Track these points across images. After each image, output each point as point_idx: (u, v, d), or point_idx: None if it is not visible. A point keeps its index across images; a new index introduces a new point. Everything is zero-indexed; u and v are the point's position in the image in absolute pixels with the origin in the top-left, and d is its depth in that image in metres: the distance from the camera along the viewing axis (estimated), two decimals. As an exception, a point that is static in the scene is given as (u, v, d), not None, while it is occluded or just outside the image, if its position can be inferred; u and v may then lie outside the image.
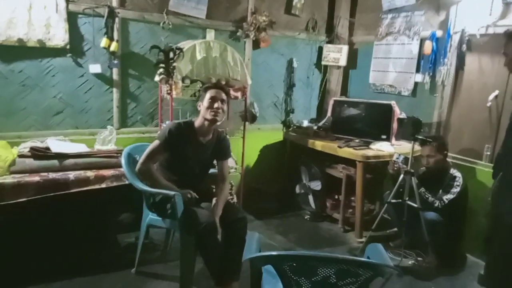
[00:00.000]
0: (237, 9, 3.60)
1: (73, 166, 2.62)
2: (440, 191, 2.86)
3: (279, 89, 4.06)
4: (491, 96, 2.90)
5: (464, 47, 3.09)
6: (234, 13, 3.59)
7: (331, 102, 3.88)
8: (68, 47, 2.91)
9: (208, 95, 2.35)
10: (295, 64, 3.99)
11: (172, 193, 2.21)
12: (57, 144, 2.72)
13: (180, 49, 2.91)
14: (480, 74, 3.04)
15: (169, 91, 2.92)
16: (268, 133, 4.04)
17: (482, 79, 3.02)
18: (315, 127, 3.80)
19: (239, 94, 3.30)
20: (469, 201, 2.90)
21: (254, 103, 3.68)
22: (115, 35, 3.06)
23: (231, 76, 3.33)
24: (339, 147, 3.34)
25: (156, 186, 2.31)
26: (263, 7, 3.65)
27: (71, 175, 2.53)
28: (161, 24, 3.22)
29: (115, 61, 3.10)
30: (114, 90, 3.18)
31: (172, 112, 2.99)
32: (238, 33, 3.60)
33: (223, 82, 3.20)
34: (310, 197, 3.72)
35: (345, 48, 4.04)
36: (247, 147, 3.53)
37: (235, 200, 3.50)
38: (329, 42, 4.21)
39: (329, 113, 3.88)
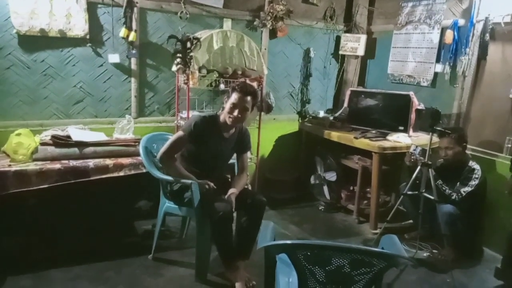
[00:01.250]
0: (254, -2, 3.58)
1: (92, 154, 2.68)
2: (458, 183, 2.82)
3: (295, 79, 4.04)
4: (514, 87, 2.82)
5: (488, 36, 3.00)
6: (251, 2, 3.57)
7: (348, 93, 3.84)
8: (88, 37, 2.96)
9: (232, 99, 2.32)
10: (312, 54, 3.96)
11: (189, 181, 2.26)
12: (77, 133, 2.79)
13: (197, 39, 2.92)
14: (503, 64, 2.96)
15: (186, 81, 2.95)
16: (284, 123, 4.04)
17: (505, 69, 2.94)
18: (331, 118, 3.78)
19: (255, 84, 3.29)
20: (487, 194, 2.85)
21: (270, 93, 3.67)
22: (134, 25, 3.09)
23: (248, 66, 3.34)
24: (355, 138, 3.32)
25: (177, 175, 2.35)
26: (280, -4, 3.62)
27: (91, 163, 2.60)
28: (178, 13, 3.23)
29: (133, 51, 3.14)
30: (132, 79, 3.22)
31: (188, 102, 3.01)
32: (255, 23, 3.59)
33: (239, 72, 3.21)
34: (325, 188, 3.72)
35: (363, 38, 3.97)
36: (263, 137, 3.54)
37: (250, 189, 3.54)
38: (347, 31, 4.14)
39: (345, 104, 3.84)
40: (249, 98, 2.33)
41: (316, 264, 1.48)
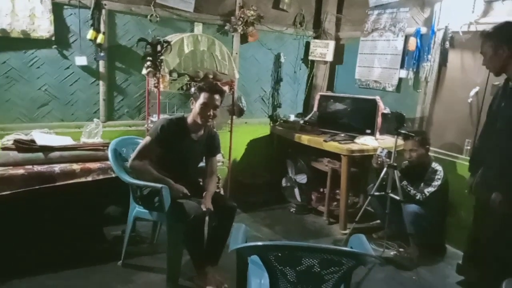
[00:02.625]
0: (225, 3, 3.60)
1: (58, 159, 2.60)
2: (422, 184, 2.95)
3: (266, 83, 4.09)
4: (472, 92, 2.98)
5: (447, 44, 3.17)
6: (222, 7, 3.59)
7: (317, 97, 3.93)
8: (53, 38, 2.87)
9: (201, 99, 2.32)
10: (282, 59, 4.02)
11: (159, 185, 2.23)
12: (42, 137, 2.69)
13: (168, 42, 2.90)
14: (462, 70, 3.12)
15: (156, 84, 2.92)
16: (255, 127, 4.07)
17: (464, 75, 3.11)
18: (301, 122, 3.85)
19: (226, 88, 3.30)
20: (449, 194, 2.99)
21: (241, 97, 3.70)
22: (102, 27, 3.03)
23: (219, 70, 3.35)
24: (325, 141, 3.39)
25: (151, 180, 2.30)
26: (251, 2, 3.66)
27: (57, 168, 2.52)
28: (148, 16, 3.20)
29: (102, 54, 3.07)
30: (101, 82, 3.16)
31: (159, 105, 2.99)
32: (226, 27, 3.61)
33: (211, 76, 3.21)
34: (296, 190, 3.78)
35: (331, 44, 4.08)
36: (234, 141, 3.56)
37: (222, 193, 3.54)
38: (316, 37, 4.24)
39: (315, 108, 3.93)
40: (217, 96, 2.36)
41: (287, 265, 1.51)
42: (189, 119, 2.40)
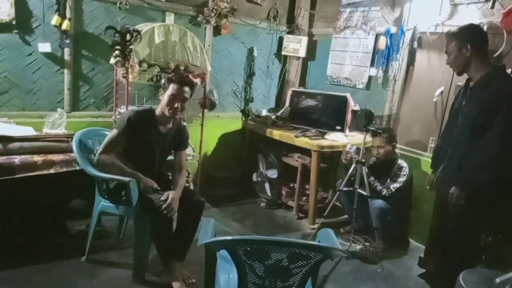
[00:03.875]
0: (198, -7, 3.54)
1: (18, 150, 2.47)
2: (388, 180, 3.04)
3: (239, 77, 4.06)
4: (437, 92, 3.09)
5: (415, 44, 3.26)
6: (195, -2, 3.53)
7: (289, 93, 3.95)
8: (14, 22, 2.72)
9: (170, 90, 2.27)
10: (255, 53, 4.01)
11: (127, 179, 2.17)
12: (1, 126, 2.55)
13: (138, 32, 2.82)
14: (428, 70, 3.23)
15: (125, 75, 2.83)
16: (227, 121, 4.04)
17: (430, 75, 3.21)
18: (273, 117, 3.86)
19: (198, 81, 3.26)
20: (413, 189, 3.10)
21: (213, 90, 3.66)
22: (68, 13, 2.90)
23: (191, 62, 3.29)
24: (296, 136, 3.42)
25: (120, 174, 2.22)
26: (225, -7, 3.61)
27: (17, 159, 2.39)
28: (117, 4, 3.09)
29: (67, 41, 2.94)
30: (66, 71, 3.02)
31: (128, 96, 2.90)
32: (198, 18, 3.54)
33: (182, 68, 3.15)
34: (267, 185, 3.79)
35: (304, 40, 4.11)
36: (206, 134, 3.52)
37: (191, 188, 3.50)
38: (290, 32, 4.25)
39: (287, 103, 3.94)
40: (187, 88, 2.30)
41: (256, 259, 1.51)
42: (157, 111, 2.35)
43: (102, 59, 3.14)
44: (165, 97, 2.29)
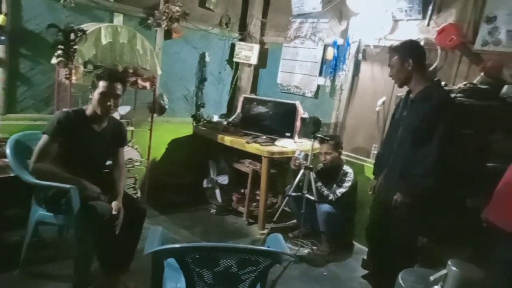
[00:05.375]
0: (148, -5, 3.46)
1: None
2: (334, 185, 3.15)
3: (190, 82, 4.02)
4: (380, 102, 3.27)
5: (360, 56, 3.43)
6: (146, 0, 3.44)
7: (241, 99, 3.97)
8: None
9: (99, 88, 2.15)
10: (207, 59, 3.99)
11: (67, 186, 2.04)
12: None
13: (83, 31, 2.69)
14: (372, 81, 3.41)
15: (68, 76, 2.68)
16: (178, 126, 3.97)
17: (373, 85, 3.39)
18: (225, 123, 3.86)
19: (147, 84, 3.18)
20: (358, 194, 3.24)
21: (163, 95, 3.58)
22: (3, 7, 2.69)
23: (140, 65, 3.20)
24: (247, 142, 3.45)
25: (62, 182, 2.07)
26: (176, -3, 3.56)
27: None
28: (61, 1, 2.92)
29: (2, 37, 2.73)
30: (0, 70, 2.80)
31: (70, 98, 2.75)
32: (149, 21, 3.46)
33: (131, 71, 3.06)
34: (217, 191, 3.77)
35: (256, 47, 4.16)
36: (155, 139, 3.43)
37: (139, 194, 3.39)
38: (242, 39, 4.29)
39: (239, 110, 3.96)
40: (118, 84, 2.19)
41: (205, 266, 1.49)
42: (88, 111, 2.22)
43: (42, 58, 2.95)
44: (95, 95, 2.17)
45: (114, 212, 2.10)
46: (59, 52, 2.63)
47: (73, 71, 2.67)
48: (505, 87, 2.33)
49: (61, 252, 2.59)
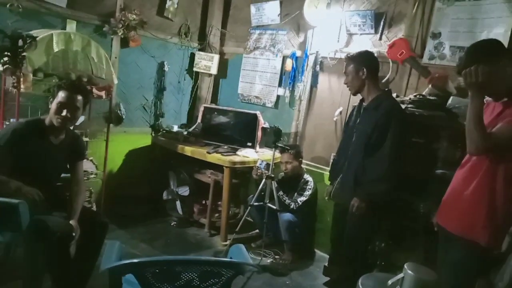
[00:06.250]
0: (104, 2, 3.35)
1: None
2: (295, 194, 3.19)
3: (149, 91, 3.93)
4: (337, 112, 3.37)
5: (318, 67, 3.53)
6: (101, 7, 3.34)
7: (201, 109, 3.95)
8: None
9: (58, 98, 2.08)
10: (166, 68, 3.93)
11: (15, 201, 1.90)
12: None
13: (33, 37, 2.55)
14: (329, 92, 3.52)
15: (15, 84, 2.53)
16: (136, 136, 3.86)
17: (331, 96, 3.50)
18: (185, 133, 3.80)
19: (103, 94, 3.07)
20: (318, 202, 3.30)
21: (120, 104, 3.48)
22: None
23: (95, 74, 3.10)
24: (208, 152, 3.41)
25: (4, 188, 1.94)
26: (133, 5, 3.48)
27: None
28: (8, 5, 2.76)
29: None
30: None
31: (18, 108, 2.59)
32: (104, 29, 3.35)
33: (85, 79, 2.94)
34: (178, 203, 3.69)
35: (216, 57, 4.16)
36: (111, 151, 3.31)
37: (94, 208, 3.24)
38: (201, 49, 4.28)
39: (199, 119, 3.93)
40: (78, 96, 2.12)
41: (165, 281, 1.45)
42: (47, 121, 2.13)
43: (-14, 65, 2.76)
44: (53, 105, 2.08)
45: (75, 237, 2.00)
46: (5, 59, 2.48)
47: (21, 79, 2.53)
48: (451, 98, 2.49)
49: (8, 272, 2.40)
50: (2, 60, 2.50)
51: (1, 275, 2.38)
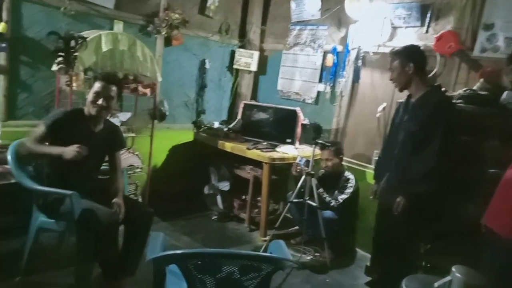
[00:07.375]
0: (148, 3, 3.47)
1: None
2: (336, 191, 3.14)
3: (190, 89, 4.02)
4: (380, 108, 3.27)
5: (360, 62, 3.44)
6: (146, 7, 3.46)
7: (241, 105, 3.98)
8: None
9: (94, 88, 2.22)
10: (207, 65, 4.00)
11: (68, 192, 2.03)
12: None
13: (83, 38, 2.69)
14: (372, 87, 3.42)
15: (68, 83, 2.69)
16: (178, 132, 3.97)
17: (373, 92, 3.40)
18: (225, 129, 3.86)
19: (148, 91, 3.19)
20: (360, 200, 3.23)
21: (164, 101, 3.59)
22: (4, 15, 2.71)
23: (140, 72, 3.21)
24: (248, 149, 3.44)
25: (44, 154, 2.15)
26: (176, 5, 3.58)
27: None
28: (62, 9, 2.94)
29: (3, 44, 2.73)
30: (1, 77, 2.81)
31: (70, 105, 2.74)
32: (149, 28, 3.47)
33: (131, 77, 3.06)
34: (218, 198, 3.76)
35: (256, 54, 4.18)
36: (155, 146, 3.43)
37: (140, 201, 3.37)
38: (241, 46, 4.31)
39: (239, 116, 3.97)
40: (113, 86, 2.24)
41: (207, 273, 1.48)
42: (85, 110, 2.27)
43: (43, 65, 2.96)
44: (90, 95, 2.23)
45: (115, 210, 2.12)
46: (60, 59, 2.64)
47: (74, 78, 2.68)
48: (505, 93, 2.33)
49: (62, 260, 2.57)
50: (56, 60, 2.67)
51: (56, 262, 2.56)
